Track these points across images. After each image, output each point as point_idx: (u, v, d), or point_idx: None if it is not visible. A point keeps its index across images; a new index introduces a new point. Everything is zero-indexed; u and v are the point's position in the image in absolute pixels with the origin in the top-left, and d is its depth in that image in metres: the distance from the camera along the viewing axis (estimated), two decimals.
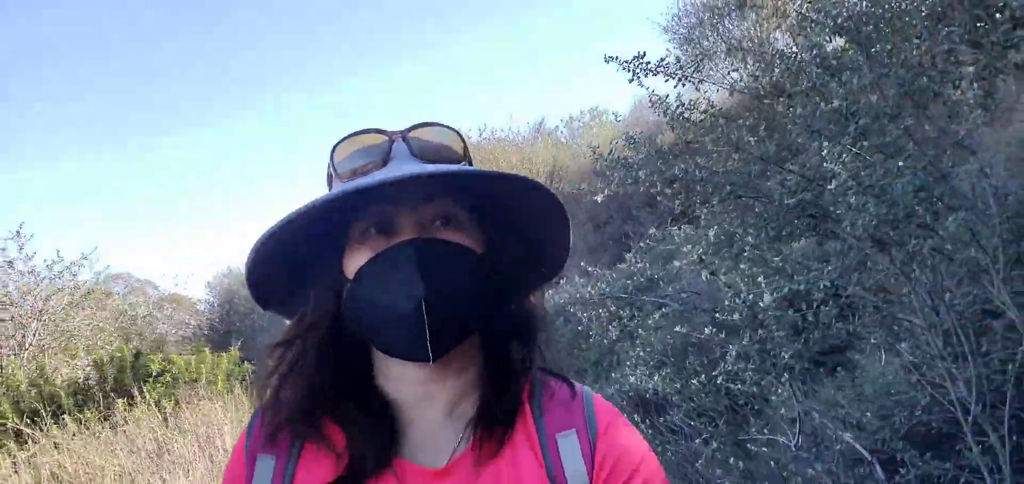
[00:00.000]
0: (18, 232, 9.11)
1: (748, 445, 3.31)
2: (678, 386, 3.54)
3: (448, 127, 0.86)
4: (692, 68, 3.50)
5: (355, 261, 0.79)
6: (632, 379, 3.93)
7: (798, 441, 3.05)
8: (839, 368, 3.74)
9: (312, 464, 0.81)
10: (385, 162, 0.80)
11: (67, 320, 9.72)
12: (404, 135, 0.83)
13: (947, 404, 2.52)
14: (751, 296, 2.90)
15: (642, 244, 5.19)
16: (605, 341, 4.66)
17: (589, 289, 4.83)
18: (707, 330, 3.39)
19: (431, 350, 0.76)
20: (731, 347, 3.01)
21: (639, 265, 5.01)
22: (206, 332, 20.59)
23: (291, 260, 0.82)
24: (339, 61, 41.64)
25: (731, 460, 3.14)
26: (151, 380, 7.25)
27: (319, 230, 0.79)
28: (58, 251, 11.93)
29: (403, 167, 0.78)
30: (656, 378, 3.66)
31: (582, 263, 5.64)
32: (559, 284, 5.91)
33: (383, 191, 0.73)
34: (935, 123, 2.73)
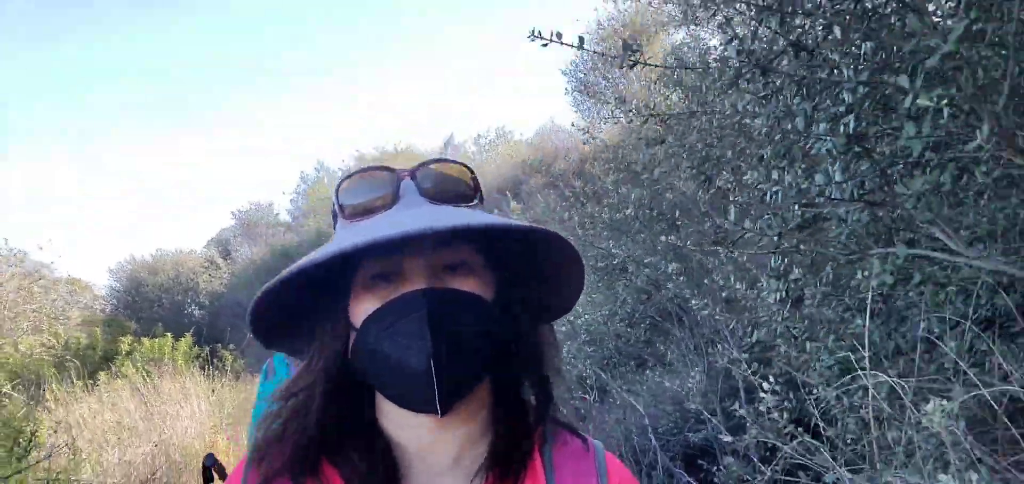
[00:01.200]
0: None
1: None
2: None
3: (457, 162, 0.82)
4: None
5: (362, 309, 0.75)
6: None
7: None
8: None
9: None
10: (393, 201, 0.77)
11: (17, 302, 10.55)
12: (413, 173, 0.80)
13: None
14: None
15: None
16: None
17: None
18: None
19: (440, 405, 0.72)
20: None
21: None
22: (108, 313, 20.97)
23: (295, 300, 0.79)
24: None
25: None
26: (120, 357, 8.44)
27: (323, 274, 0.75)
28: None
29: (412, 207, 0.77)
30: None
31: None
32: None
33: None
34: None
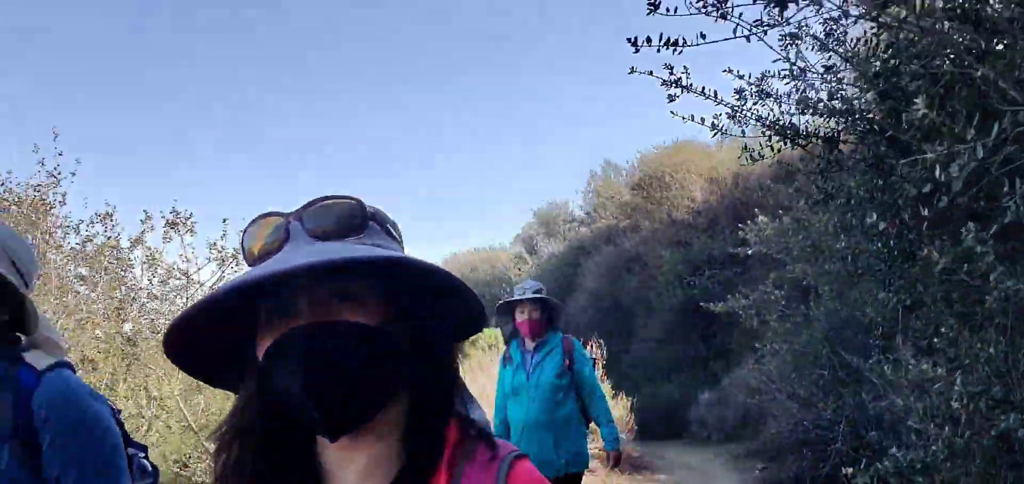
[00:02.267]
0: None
1: None
2: None
3: (344, 198, 0.83)
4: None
5: (262, 345, 0.78)
6: None
7: None
8: None
9: None
10: (284, 243, 0.80)
11: None
12: (299, 214, 0.82)
13: None
14: None
15: None
16: None
17: None
18: None
19: (329, 433, 0.76)
20: None
21: None
22: None
23: (223, 340, 0.83)
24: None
25: None
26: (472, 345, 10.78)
27: (234, 316, 0.79)
28: None
29: (299, 247, 0.79)
30: None
31: None
32: None
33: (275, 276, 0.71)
34: None
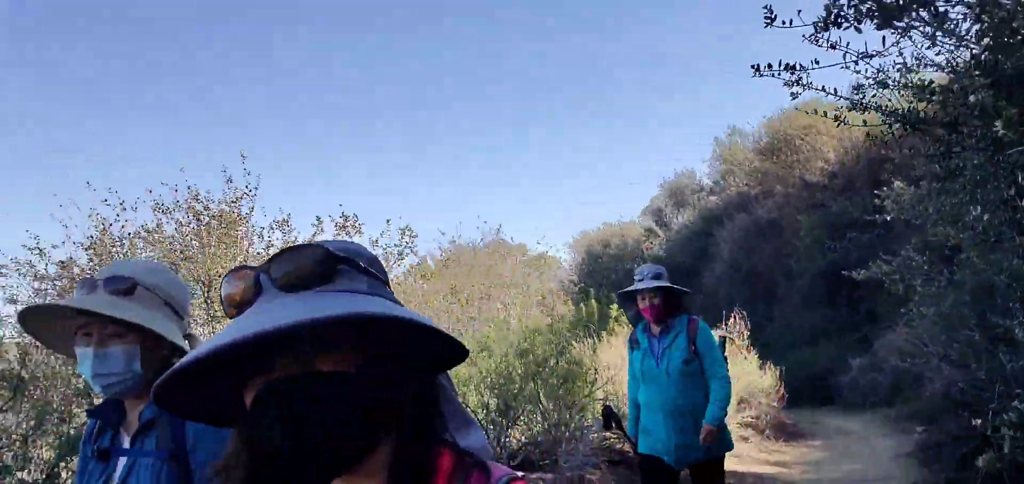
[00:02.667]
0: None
1: None
2: None
3: (309, 247, 0.83)
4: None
5: (248, 396, 0.80)
6: None
7: None
8: None
9: None
10: (256, 295, 0.81)
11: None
12: (266, 267, 0.82)
13: None
14: None
15: None
16: None
17: None
18: None
19: (309, 482, 0.77)
20: None
21: None
22: (566, 286, 25.10)
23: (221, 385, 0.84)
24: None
25: None
26: (610, 320, 11.17)
27: (226, 364, 0.79)
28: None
29: (269, 300, 0.80)
30: None
31: None
32: None
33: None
34: None
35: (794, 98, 4.08)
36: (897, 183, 6.56)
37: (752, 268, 20.38)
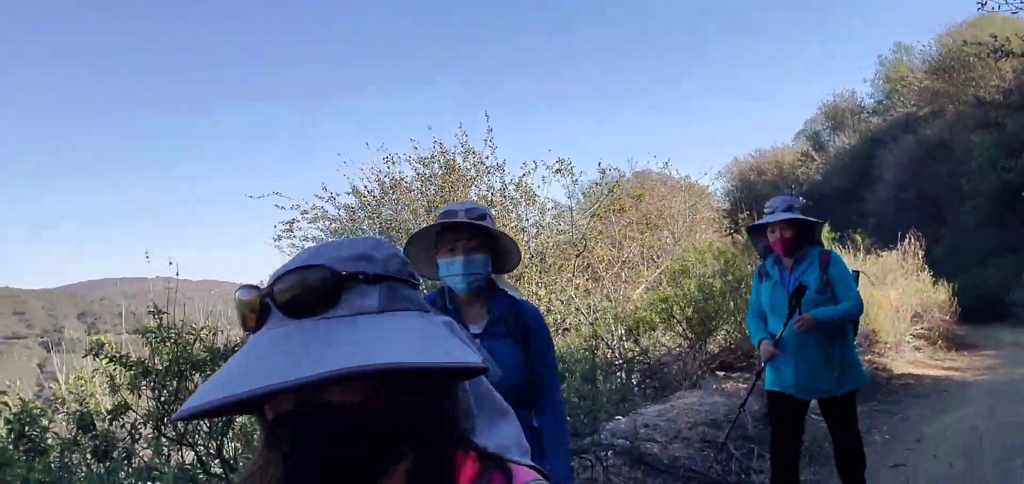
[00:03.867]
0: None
1: None
2: None
3: (313, 267, 0.79)
4: None
5: (268, 414, 0.79)
6: None
7: None
8: None
9: None
10: (264, 318, 0.79)
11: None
12: (269, 291, 0.79)
13: None
14: None
15: None
16: None
17: None
18: None
19: None
20: None
21: None
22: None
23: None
24: None
25: None
26: None
27: None
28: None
29: (275, 327, 0.78)
30: None
31: None
32: None
33: None
34: None
35: (982, 7, 4.44)
36: None
37: (919, 191, 20.36)
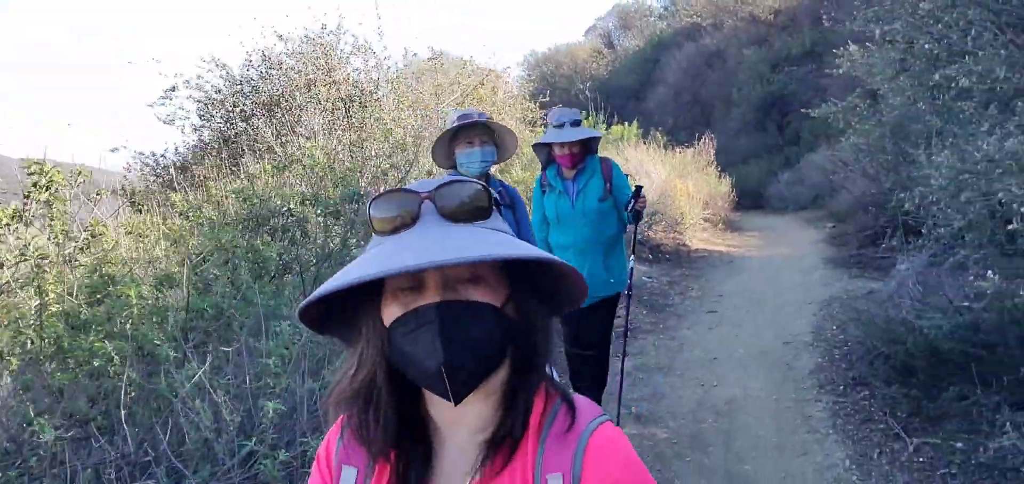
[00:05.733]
0: None
1: None
2: None
3: (472, 182, 0.89)
4: None
5: (389, 312, 0.86)
6: None
7: None
8: None
9: (379, 479, 0.92)
10: (415, 221, 0.86)
11: None
12: (432, 195, 0.87)
13: None
14: None
15: None
16: None
17: None
18: None
19: (453, 398, 0.84)
20: None
21: None
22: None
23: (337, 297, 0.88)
24: None
25: None
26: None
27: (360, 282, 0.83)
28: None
29: (431, 227, 0.85)
30: None
31: None
32: None
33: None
34: None
35: None
36: (852, 46, 8.37)
37: (694, 95, 22.83)
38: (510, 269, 0.90)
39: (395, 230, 0.86)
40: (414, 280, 0.85)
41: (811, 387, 5.05)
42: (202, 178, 6.25)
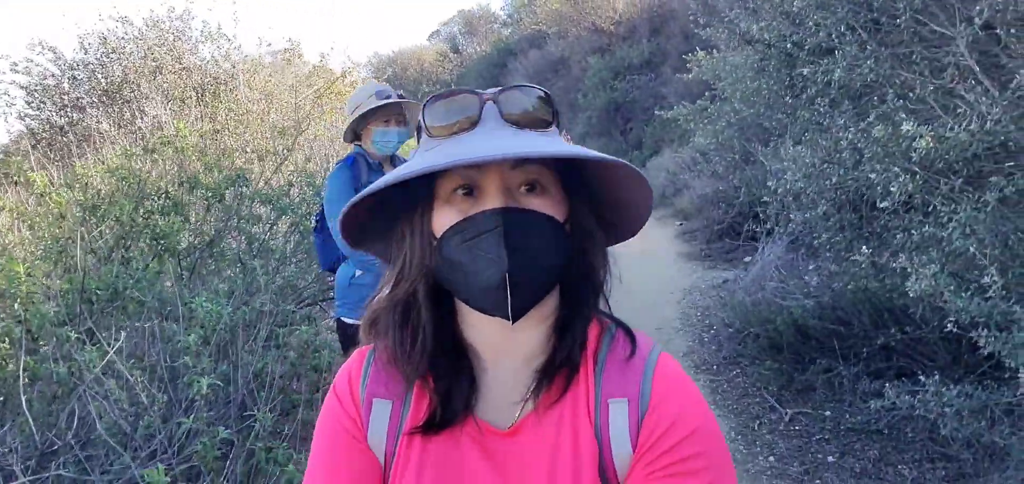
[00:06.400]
0: None
1: None
2: None
3: (537, 89, 0.84)
4: None
5: (442, 220, 0.81)
6: None
7: None
8: None
9: (417, 408, 0.86)
10: (475, 124, 0.80)
11: None
12: (495, 98, 0.82)
13: None
14: None
15: None
16: None
17: None
18: None
19: (512, 316, 0.78)
20: None
21: None
22: None
23: (377, 205, 0.84)
24: None
25: None
26: None
27: (403, 187, 0.80)
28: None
29: (494, 130, 0.80)
30: None
31: None
32: None
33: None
34: None
35: None
36: (700, 52, 8.70)
37: None
38: (568, 185, 0.86)
39: (454, 134, 0.81)
40: (473, 185, 0.80)
41: (688, 368, 5.27)
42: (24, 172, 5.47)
